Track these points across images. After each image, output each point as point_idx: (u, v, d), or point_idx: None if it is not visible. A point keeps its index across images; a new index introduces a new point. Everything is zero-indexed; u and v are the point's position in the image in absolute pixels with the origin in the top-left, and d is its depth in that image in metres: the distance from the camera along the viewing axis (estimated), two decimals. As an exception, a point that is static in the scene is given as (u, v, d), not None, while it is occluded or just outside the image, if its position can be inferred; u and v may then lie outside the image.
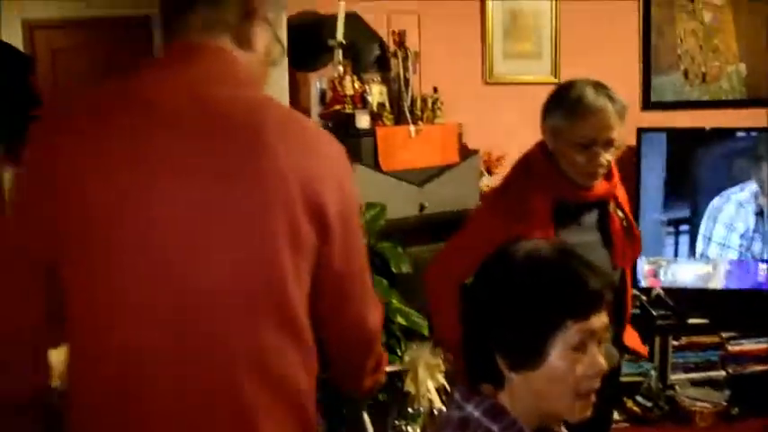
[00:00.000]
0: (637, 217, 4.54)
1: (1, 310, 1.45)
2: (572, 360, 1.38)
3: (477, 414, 1.42)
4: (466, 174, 3.88)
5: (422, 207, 3.65)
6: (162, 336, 1.40)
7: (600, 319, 1.40)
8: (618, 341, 2.67)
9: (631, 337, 2.77)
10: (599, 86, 2.52)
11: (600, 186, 2.56)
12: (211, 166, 1.41)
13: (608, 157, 2.49)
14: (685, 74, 4.88)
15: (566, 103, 2.49)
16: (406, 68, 3.66)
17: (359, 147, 3.51)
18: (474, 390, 1.47)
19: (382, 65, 3.75)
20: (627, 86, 4.75)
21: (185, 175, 1.40)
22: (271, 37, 1.59)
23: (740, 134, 4.51)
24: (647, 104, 4.82)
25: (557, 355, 1.38)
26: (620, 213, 2.65)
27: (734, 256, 4.44)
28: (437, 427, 1.48)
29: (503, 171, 4.30)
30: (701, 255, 4.45)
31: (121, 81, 1.48)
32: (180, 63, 1.50)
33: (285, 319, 1.45)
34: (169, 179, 1.40)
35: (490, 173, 4.33)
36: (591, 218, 2.59)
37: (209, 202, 1.40)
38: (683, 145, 4.55)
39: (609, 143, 2.49)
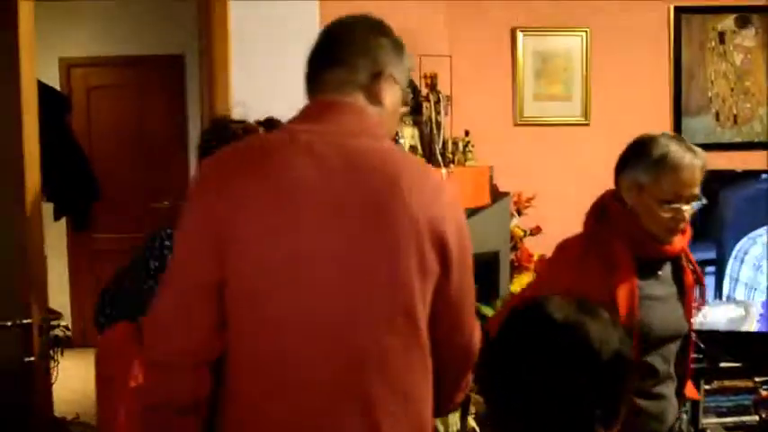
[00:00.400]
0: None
1: (178, 331, 1.73)
2: None
3: None
4: (497, 215, 3.89)
5: (452, 249, 3.66)
6: (309, 343, 1.70)
7: None
8: (680, 393, 2.65)
9: (690, 389, 2.75)
10: (680, 141, 2.51)
11: (678, 242, 2.55)
12: (354, 206, 1.71)
13: (690, 212, 2.48)
14: (716, 116, 4.87)
15: (650, 159, 2.47)
16: (437, 111, 3.68)
17: (390, 189, 3.52)
18: None
19: (414, 108, 3.78)
20: (657, 128, 4.69)
21: (331, 214, 1.70)
22: (397, 93, 1.88)
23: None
24: (679, 146, 4.81)
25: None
26: (691, 266, 2.65)
27: (762, 297, 4.40)
28: None
29: (533, 212, 4.33)
30: (728, 296, 4.42)
31: (271, 134, 1.87)
32: (322, 116, 1.79)
33: (411, 330, 1.73)
34: (315, 217, 1.70)
35: (520, 214, 4.33)
36: (667, 270, 2.59)
37: (351, 236, 1.70)
38: (713, 186, 4.53)
39: (693, 198, 2.48)
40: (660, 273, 2.56)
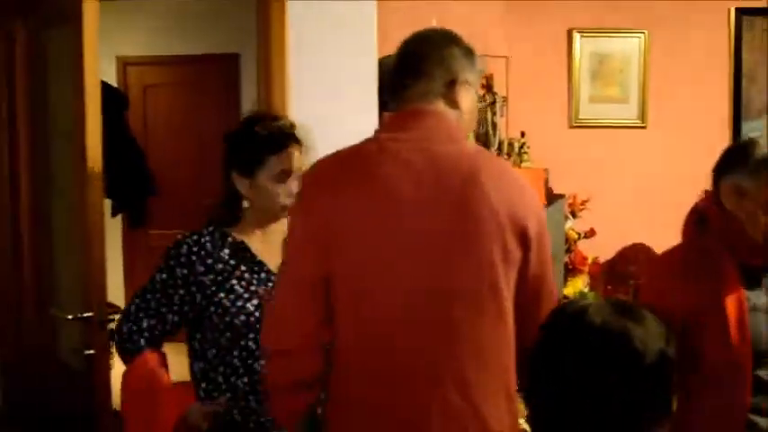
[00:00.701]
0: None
1: (294, 321, 1.99)
2: None
3: None
4: (551, 218, 3.86)
5: (507, 251, 3.64)
6: (408, 330, 1.91)
7: None
8: None
9: None
10: None
11: None
12: (439, 204, 1.93)
13: None
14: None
15: (752, 163, 2.35)
16: (494, 113, 3.68)
17: (446, 189, 3.52)
18: None
19: (470, 109, 3.77)
20: (715, 132, 4.70)
21: (419, 213, 1.92)
22: (472, 95, 2.09)
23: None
24: (737, 150, 4.74)
25: None
26: None
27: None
28: None
29: (587, 214, 4.30)
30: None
31: (367, 142, 2.02)
32: (407, 125, 2.01)
33: (498, 310, 1.93)
34: (406, 216, 1.92)
35: (575, 216, 4.31)
36: None
37: (439, 232, 1.92)
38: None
39: None
40: (765, 281, 2.42)
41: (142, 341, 2.42)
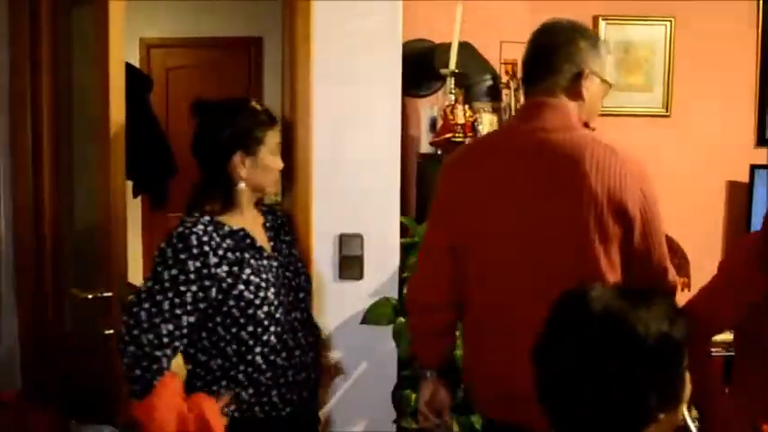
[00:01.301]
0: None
1: (432, 282, 2.45)
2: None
3: None
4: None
5: (527, 238, 3.63)
6: (519, 291, 2.26)
7: None
8: None
9: None
10: None
11: None
12: (542, 185, 2.23)
13: None
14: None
15: None
16: (517, 99, 3.65)
17: (467, 176, 3.51)
18: None
19: (494, 94, 3.75)
20: (740, 122, 4.65)
21: (528, 193, 2.25)
22: (598, 83, 2.34)
23: None
24: (762, 141, 4.69)
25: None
26: None
27: None
28: None
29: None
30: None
31: (498, 130, 2.53)
32: (530, 115, 2.32)
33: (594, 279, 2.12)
34: (517, 196, 2.26)
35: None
36: None
37: (546, 210, 2.22)
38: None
39: None
40: None
41: (164, 361, 2.24)
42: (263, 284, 2.37)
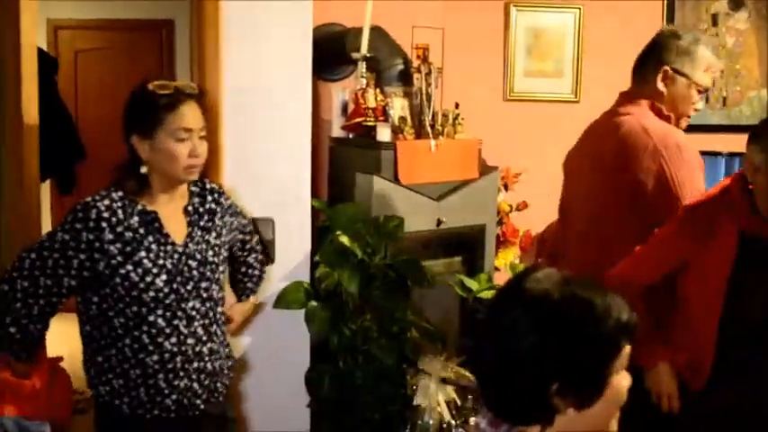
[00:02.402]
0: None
1: None
2: (620, 380, 1.45)
3: None
4: (484, 189, 3.90)
5: (439, 222, 3.66)
6: (576, 237, 2.92)
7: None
8: None
9: None
10: None
11: None
12: (596, 161, 2.78)
13: None
14: (706, 98, 4.87)
15: (764, 139, 2.36)
16: (428, 83, 3.67)
17: (379, 159, 3.52)
18: (498, 418, 1.47)
19: (405, 79, 3.76)
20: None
21: (581, 172, 2.90)
22: (684, 84, 2.75)
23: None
24: (667, 127, 4.82)
25: (613, 381, 1.43)
26: None
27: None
28: None
29: (520, 187, 4.34)
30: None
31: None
32: (618, 104, 2.87)
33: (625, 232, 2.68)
34: (581, 171, 2.91)
35: (507, 189, 4.34)
36: None
37: (592, 181, 2.80)
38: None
39: None
40: None
41: (35, 309, 2.30)
42: (155, 270, 2.32)
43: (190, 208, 2.46)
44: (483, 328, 1.50)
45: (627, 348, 1.44)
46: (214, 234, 2.50)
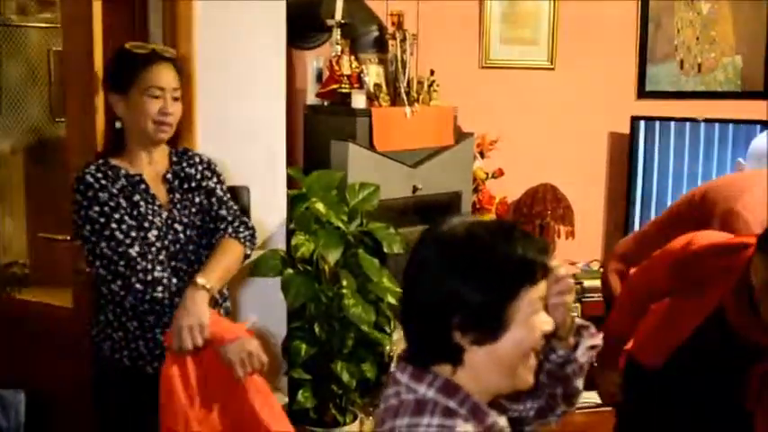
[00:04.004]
0: (632, 203, 4.58)
1: None
2: (530, 324, 1.42)
3: (431, 394, 1.41)
4: (460, 156, 3.90)
5: (415, 188, 3.67)
6: None
7: (544, 286, 1.45)
8: None
9: None
10: None
11: None
12: None
13: None
14: (681, 64, 4.89)
15: None
16: (403, 50, 3.66)
17: (354, 126, 3.52)
18: (422, 370, 1.45)
19: (380, 46, 3.75)
20: (622, 75, 4.78)
21: None
22: None
23: (733, 126, 4.55)
24: (642, 93, 4.84)
25: (517, 322, 1.41)
26: None
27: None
28: (390, 413, 1.43)
29: (496, 155, 4.35)
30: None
31: None
32: None
33: None
34: None
35: (483, 156, 4.34)
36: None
37: None
38: (675, 134, 4.59)
39: None
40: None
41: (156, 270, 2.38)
42: (146, 224, 2.39)
43: (169, 175, 2.50)
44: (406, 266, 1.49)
45: (536, 290, 1.42)
46: (198, 199, 2.53)
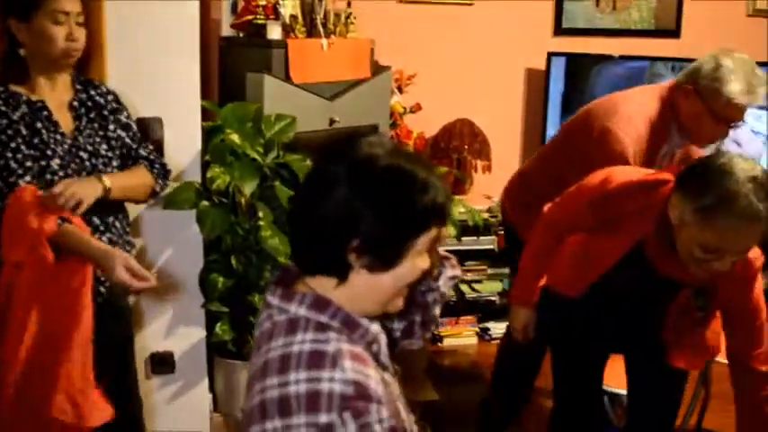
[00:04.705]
0: (547, 138, 4.65)
1: None
2: (419, 261, 1.45)
3: (302, 312, 1.43)
4: (377, 89, 3.90)
5: (332, 121, 3.66)
6: None
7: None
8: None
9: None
10: (760, 185, 2.05)
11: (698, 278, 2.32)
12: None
13: (729, 265, 2.17)
14: (596, 2, 4.94)
15: (705, 204, 2.07)
16: (319, -20, 3.62)
17: (269, 58, 3.47)
18: (291, 290, 1.47)
19: (296, -23, 3.70)
20: (539, 12, 4.82)
21: None
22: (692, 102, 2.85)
23: (646, 62, 4.64)
24: (559, 30, 4.89)
25: (410, 256, 1.43)
26: (700, 302, 2.43)
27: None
28: (266, 336, 1.44)
29: (414, 89, 4.36)
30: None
31: None
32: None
33: None
34: None
35: (401, 91, 4.35)
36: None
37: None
38: (591, 70, 4.66)
39: (744, 252, 2.17)
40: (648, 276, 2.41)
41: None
42: (48, 152, 2.34)
43: (75, 103, 2.46)
44: (306, 175, 1.49)
45: (434, 231, 1.45)
46: (103, 128, 2.49)
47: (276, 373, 1.38)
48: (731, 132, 2.90)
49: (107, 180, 2.38)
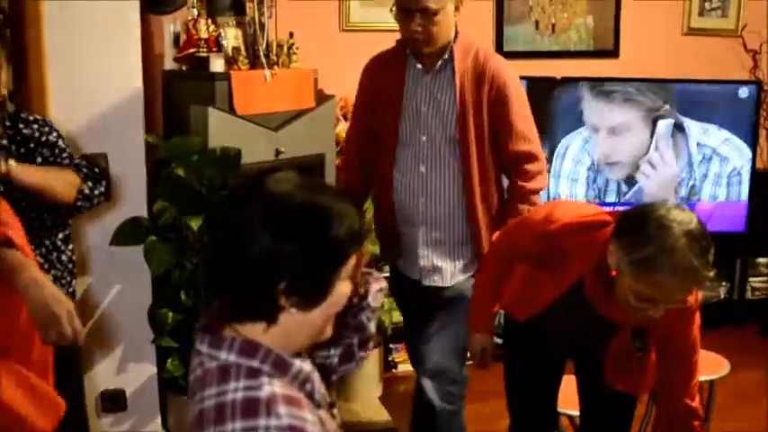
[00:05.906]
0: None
1: None
2: (343, 288, 1.47)
3: (233, 358, 1.41)
4: (322, 119, 3.92)
5: (278, 152, 3.66)
6: None
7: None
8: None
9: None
10: (695, 239, 2.06)
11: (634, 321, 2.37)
12: None
13: (662, 312, 2.19)
14: (536, 24, 5.03)
15: (640, 257, 2.08)
16: (261, 13, 3.63)
17: (213, 90, 3.47)
18: (219, 336, 1.45)
19: (237, 8, 3.71)
20: (480, 35, 4.87)
21: None
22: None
23: (586, 83, 4.73)
24: (500, 54, 4.94)
25: (339, 286, 1.46)
26: (638, 343, 2.48)
27: (583, 187, 4.71)
28: (198, 384, 1.43)
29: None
30: (555, 195, 4.67)
31: None
32: None
33: None
34: None
35: (346, 119, 4.37)
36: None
37: None
38: (532, 93, 4.73)
39: (677, 303, 2.19)
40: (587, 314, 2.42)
41: None
42: None
43: (4, 141, 2.44)
44: (218, 221, 1.47)
45: (354, 258, 1.46)
46: (40, 159, 2.48)
47: (213, 423, 1.37)
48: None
49: (13, 163, 2.34)
